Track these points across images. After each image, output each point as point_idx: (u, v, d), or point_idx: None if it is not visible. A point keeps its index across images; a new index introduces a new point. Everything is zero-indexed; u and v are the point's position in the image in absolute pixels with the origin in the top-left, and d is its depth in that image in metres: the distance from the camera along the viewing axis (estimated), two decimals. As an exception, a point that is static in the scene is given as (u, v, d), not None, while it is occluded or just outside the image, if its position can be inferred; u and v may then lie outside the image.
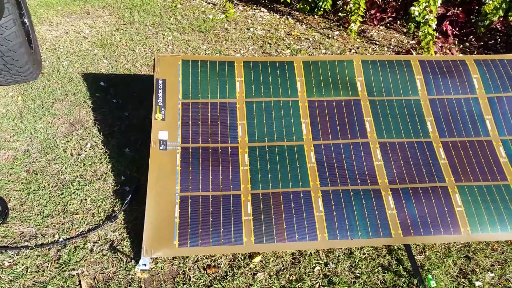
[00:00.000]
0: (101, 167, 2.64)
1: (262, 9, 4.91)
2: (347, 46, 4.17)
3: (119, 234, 2.25)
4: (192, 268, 2.11)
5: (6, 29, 2.89)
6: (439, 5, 3.82)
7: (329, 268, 2.13)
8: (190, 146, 2.38)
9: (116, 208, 2.39)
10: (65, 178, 2.55)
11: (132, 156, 2.72)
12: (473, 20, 4.27)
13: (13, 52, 3.00)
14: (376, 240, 2.18)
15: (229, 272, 2.09)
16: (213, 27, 4.43)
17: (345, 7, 4.48)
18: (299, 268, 2.13)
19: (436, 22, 3.81)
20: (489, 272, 2.13)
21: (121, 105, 3.19)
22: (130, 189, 2.47)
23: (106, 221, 2.30)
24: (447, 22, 4.18)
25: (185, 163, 2.33)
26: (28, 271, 2.04)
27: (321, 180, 2.34)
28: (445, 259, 2.19)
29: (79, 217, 2.33)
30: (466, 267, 2.17)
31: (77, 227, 2.28)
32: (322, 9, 4.64)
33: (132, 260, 2.12)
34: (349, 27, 4.24)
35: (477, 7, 4.20)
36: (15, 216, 2.31)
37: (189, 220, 2.17)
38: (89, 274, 2.06)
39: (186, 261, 2.14)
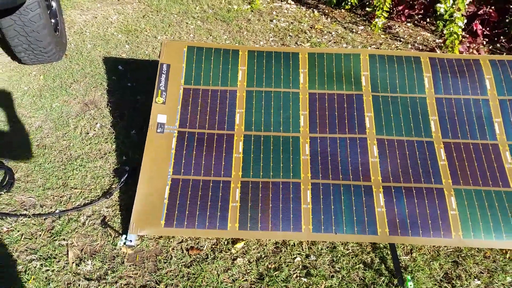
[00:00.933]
0: (106, 146, 2.74)
1: (290, 1, 4.89)
2: (370, 41, 4.08)
3: (112, 211, 2.34)
4: (175, 248, 2.17)
5: (31, 10, 3.04)
6: (467, 2, 3.66)
7: (309, 260, 2.13)
8: (187, 130, 2.43)
9: (113, 186, 2.48)
10: (70, 155, 2.67)
11: (137, 138, 2.80)
12: (507, 20, 4.06)
13: (36, 33, 3.15)
14: (361, 237, 2.15)
15: (210, 255, 2.13)
16: (237, 17, 4.46)
17: (372, 1, 4.39)
18: (280, 257, 2.14)
19: (464, 21, 3.66)
20: (475, 280, 2.06)
21: (136, 89, 3.29)
22: (128, 169, 2.54)
23: (101, 197, 2.39)
24: (478, 21, 4.01)
25: (180, 147, 2.38)
26: (23, 237, 2.17)
27: (313, 173, 2.32)
28: (431, 262, 2.13)
29: (78, 192, 2.44)
30: (452, 272, 2.10)
31: (74, 201, 2.39)
32: (349, 3, 4.56)
33: (120, 236, 2.20)
34: (373, 22, 4.15)
35: (511, 6, 3.99)
36: (19, 186, 2.45)
37: (178, 202, 2.23)
38: (77, 245, 2.16)
39: (171, 241, 2.20)
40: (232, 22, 4.36)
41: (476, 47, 3.90)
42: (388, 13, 4.14)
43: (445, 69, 2.60)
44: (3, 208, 2.32)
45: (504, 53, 3.93)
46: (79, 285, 1.98)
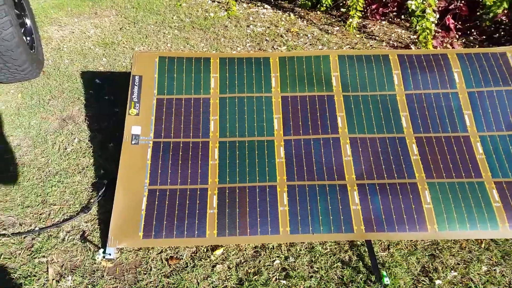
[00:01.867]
0: (84, 160, 2.75)
1: (266, 6, 4.93)
2: (345, 41, 4.13)
3: (91, 225, 2.35)
4: (155, 259, 2.18)
5: (3, 29, 3.05)
6: (438, -2, 3.72)
7: (288, 262, 2.15)
8: (162, 140, 2.45)
9: (92, 200, 2.49)
10: (49, 171, 2.68)
11: (114, 150, 2.81)
12: (478, 14, 4.13)
13: (11, 51, 3.15)
14: (337, 235, 2.18)
15: (190, 264, 2.15)
16: (214, 24, 4.49)
17: (346, 2, 4.44)
18: (259, 261, 2.16)
19: (436, 16, 3.72)
20: (452, 271, 2.09)
21: (113, 101, 3.30)
22: (105, 182, 2.56)
23: (80, 212, 2.40)
24: (450, 16, 4.07)
25: (156, 157, 2.40)
26: (2, 257, 2.17)
27: (288, 175, 2.35)
28: (409, 257, 2.16)
29: (57, 208, 2.45)
30: (429, 265, 2.13)
31: (53, 217, 2.39)
32: (324, 5, 4.60)
33: (99, 250, 2.21)
34: (348, 22, 4.19)
35: (481, 0, 4.05)
36: (-2, 206, 2.46)
37: (155, 212, 2.24)
38: (58, 261, 2.17)
39: (151, 252, 2.21)
40: (209, 29, 4.39)
41: (450, 41, 3.96)
42: (362, 13, 4.19)
43: (414, 65, 2.64)
44: (-18, 229, 2.33)
45: (477, 46, 3.99)
46: (59, 301, 1.99)
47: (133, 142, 2.42)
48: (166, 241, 2.18)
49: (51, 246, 2.24)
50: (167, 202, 2.27)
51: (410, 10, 3.76)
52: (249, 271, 2.12)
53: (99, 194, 2.45)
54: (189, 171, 2.37)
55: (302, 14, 4.72)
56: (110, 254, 2.14)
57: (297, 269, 2.11)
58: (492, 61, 2.63)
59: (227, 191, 2.31)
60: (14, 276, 2.09)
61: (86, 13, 4.82)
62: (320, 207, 2.24)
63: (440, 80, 2.61)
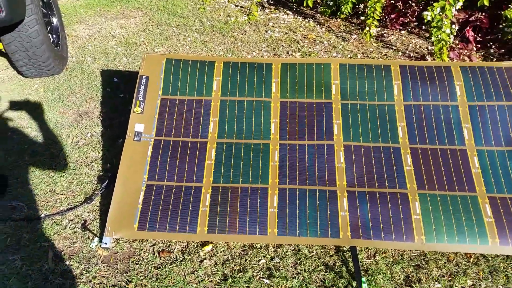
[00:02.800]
0: (93, 154, 2.90)
1: (288, 11, 5.00)
2: (360, 50, 4.14)
3: (92, 215, 2.49)
4: (147, 251, 2.29)
5: (29, 27, 3.26)
6: (454, 10, 3.67)
7: (273, 262, 2.21)
8: (163, 139, 2.57)
9: (95, 192, 2.63)
10: (60, 162, 2.84)
11: (122, 146, 2.95)
12: (500, 26, 4.05)
13: (35, 48, 3.36)
14: (323, 240, 2.22)
15: (179, 257, 2.25)
16: (233, 29, 4.60)
17: (365, 10, 4.45)
18: (246, 259, 2.23)
19: (455, 28, 3.68)
20: (436, 283, 2.10)
21: (127, 100, 3.45)
22: (110, 175, 2.69)
23: (83, 202, 2.54)
24: (470, 28, 4.02)
25: (156, 154, 2.51)
26: (9, 240, 2.33)
27: (281, 178, 2.41)
28: (393, 266, 2.18)
29: (63, 197, 2.60)
30: (414, 275, 2.14)
31: (59, 206, 2.55)
32: (344, 13, 4.63)
33: (95, 238, 2.34)
34: (365, 30, 4.21)
35: (503, 13, 3.98)
36: (11, 192, 2.63)
37: (151, 206, 2.35)
38: (58, 247, 2.31)
39: (144, 244, 2.32)
40: (228, 33, 4.50)
41: (468, 53, 3.91)
42: (380, 22, 4.19)
43: (415, 76, 2.65)
44: (-7, 212, 2.51)
45: (495, 59, 3.92)
46: (55, 283, 2.12)
47: (135, 138, 2.54)
48: (159, 235, 2.28)
49: (53, 232, 2.39)
50: (162, 198, 2.38)
51: (425, 21, 3.74)
52: (235, 268, 2.19)
53: (102, 186, 2.58)
54: (186, 169, 2.47)
55: (322, 21, 4.77)
56: (106, 243, 2.27)
57: (281, 269, 2.17)
58: (496, 75, 2.61)
59: (220, 191, 2.39)
60: (17, 257, 2.24)
61: (113, 13, 5.03)
62: (308, 211, 2.29)
63: (441, 92, 2.61)
